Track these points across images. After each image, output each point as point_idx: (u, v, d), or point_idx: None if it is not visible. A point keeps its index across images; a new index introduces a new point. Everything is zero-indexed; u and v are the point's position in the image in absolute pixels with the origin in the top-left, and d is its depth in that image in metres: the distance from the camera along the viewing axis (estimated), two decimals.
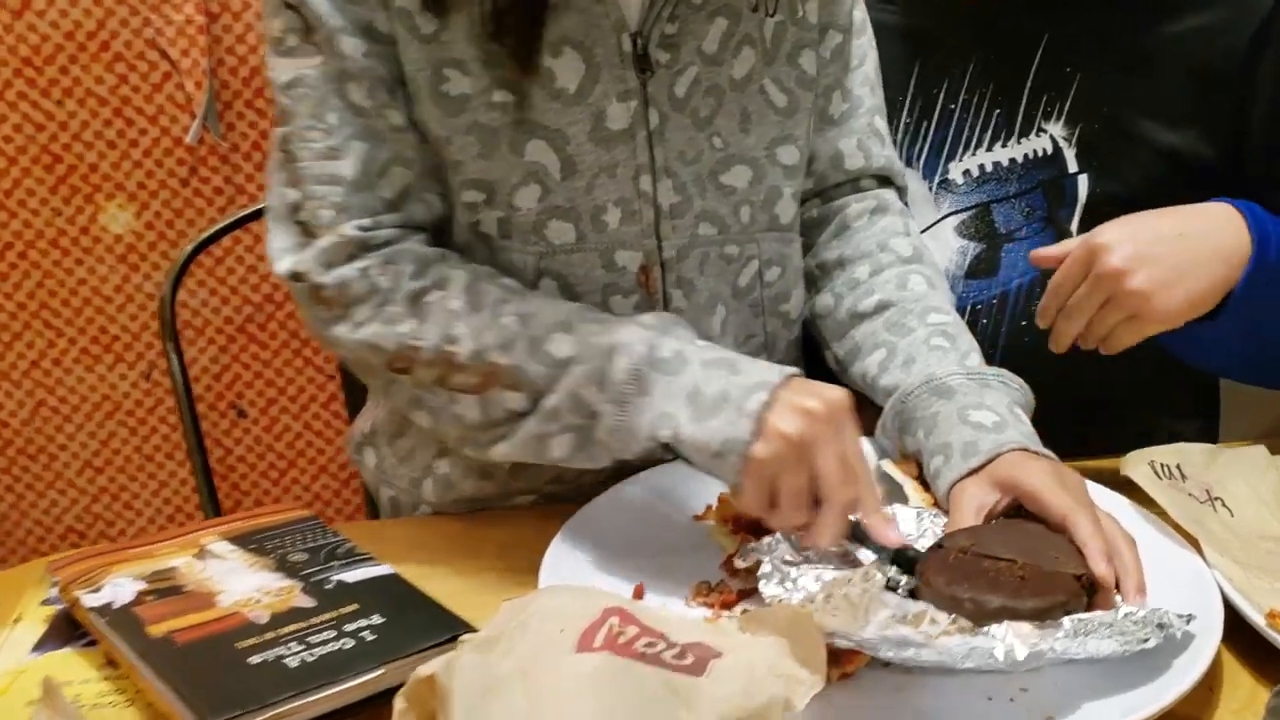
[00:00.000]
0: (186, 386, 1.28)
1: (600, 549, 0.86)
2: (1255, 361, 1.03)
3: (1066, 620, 0.70)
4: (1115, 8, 1.09)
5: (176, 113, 1.71)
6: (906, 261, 1.03)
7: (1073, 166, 1.11)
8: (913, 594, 0.75)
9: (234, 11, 1.68)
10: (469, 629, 0.74)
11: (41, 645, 0.80)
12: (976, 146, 1.14)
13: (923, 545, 0.81)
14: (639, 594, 0.82)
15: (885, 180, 1.08)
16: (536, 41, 0.86)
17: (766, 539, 0.79)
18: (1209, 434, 1.24)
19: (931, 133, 1.16)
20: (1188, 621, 0.72)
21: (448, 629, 0.75)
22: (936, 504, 0.88)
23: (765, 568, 0.76)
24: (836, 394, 0.80)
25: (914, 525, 0.85)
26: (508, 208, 0.90)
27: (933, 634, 0.67)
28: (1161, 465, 0.94)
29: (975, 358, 0.94)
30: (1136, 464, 0.93)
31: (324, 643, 0.73)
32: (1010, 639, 0.68)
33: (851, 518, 0.80)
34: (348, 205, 0.87)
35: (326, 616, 0.76)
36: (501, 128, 0.88)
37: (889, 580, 0.76)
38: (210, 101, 1.70)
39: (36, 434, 1.84)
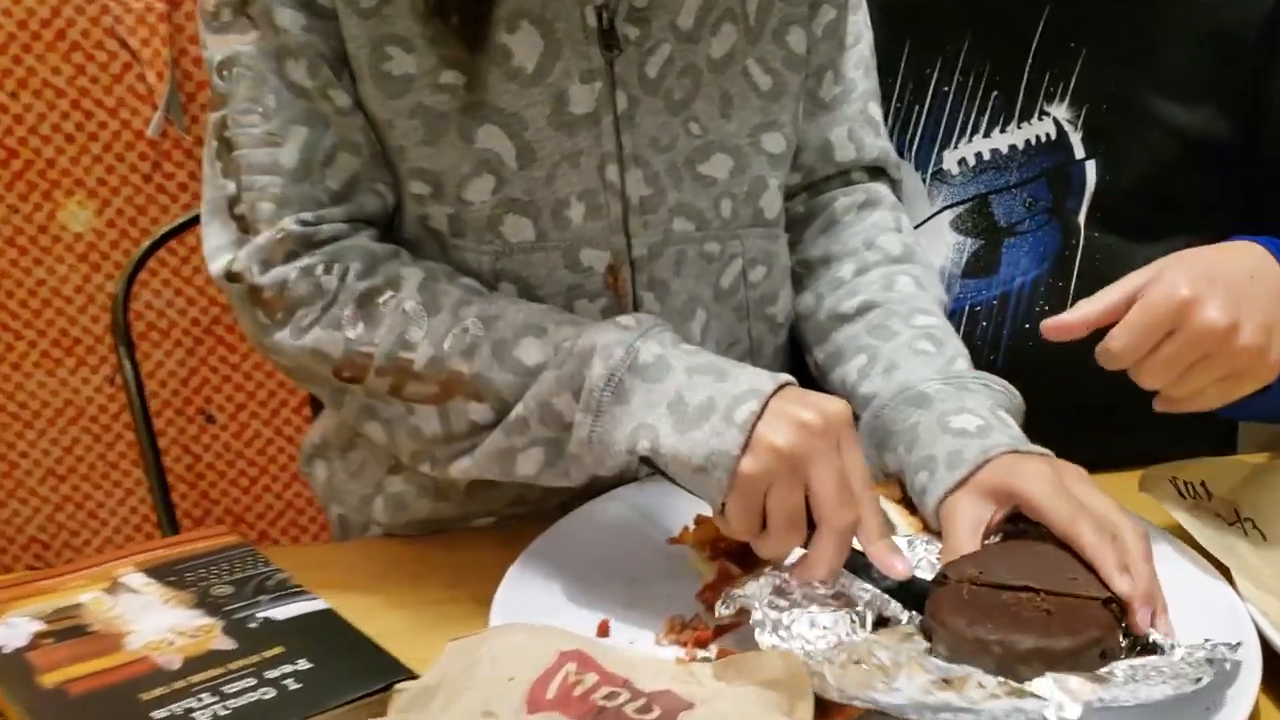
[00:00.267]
0: (140, 390, 1.24)
1: (562, 578, 0.81)
2: None
3: (1118, 669, 0.66)
4: None
5: (138, 105, 1.69)
6: (895, 260, 0.97)
7: (1080, 152, 1.05)
8: (925, 634, 0.69)
9: None
10: (409, 674, 0.69)
11: None
12: (973, 133, 1.08)
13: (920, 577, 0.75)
14: (604, 630, 0.77)
15: (877, 172, 1.03)
16: (487, 16, 0.81)
17: (751, 584, 0.72)
18: (1227, 440, 1.19)
19: (924, 119, 1.10)
20: (1235, 649, 0.68)
21: (381, 676, 0.69)
22: (926, 528, 0.82)
23: (756, 615, 0.70)
24: (836, 405, 0.74)
25: (907, 556, 0.78)
26: (457, 202, 0.85)
27: (977, 699, 0.62)
28: (1185, 483, 0.88)
29: (962, 363, 0.89)
30: (1157, 482, 0.87)
31: (241, 692, 0.68)
32: (1059, 695, 0.63)
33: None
34: (288, 197, 0.82)
35: (247, 661, 0.71)
36: (450, 112, 0.82)
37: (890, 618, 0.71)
38: (173, 93, 1.68)
39: None
